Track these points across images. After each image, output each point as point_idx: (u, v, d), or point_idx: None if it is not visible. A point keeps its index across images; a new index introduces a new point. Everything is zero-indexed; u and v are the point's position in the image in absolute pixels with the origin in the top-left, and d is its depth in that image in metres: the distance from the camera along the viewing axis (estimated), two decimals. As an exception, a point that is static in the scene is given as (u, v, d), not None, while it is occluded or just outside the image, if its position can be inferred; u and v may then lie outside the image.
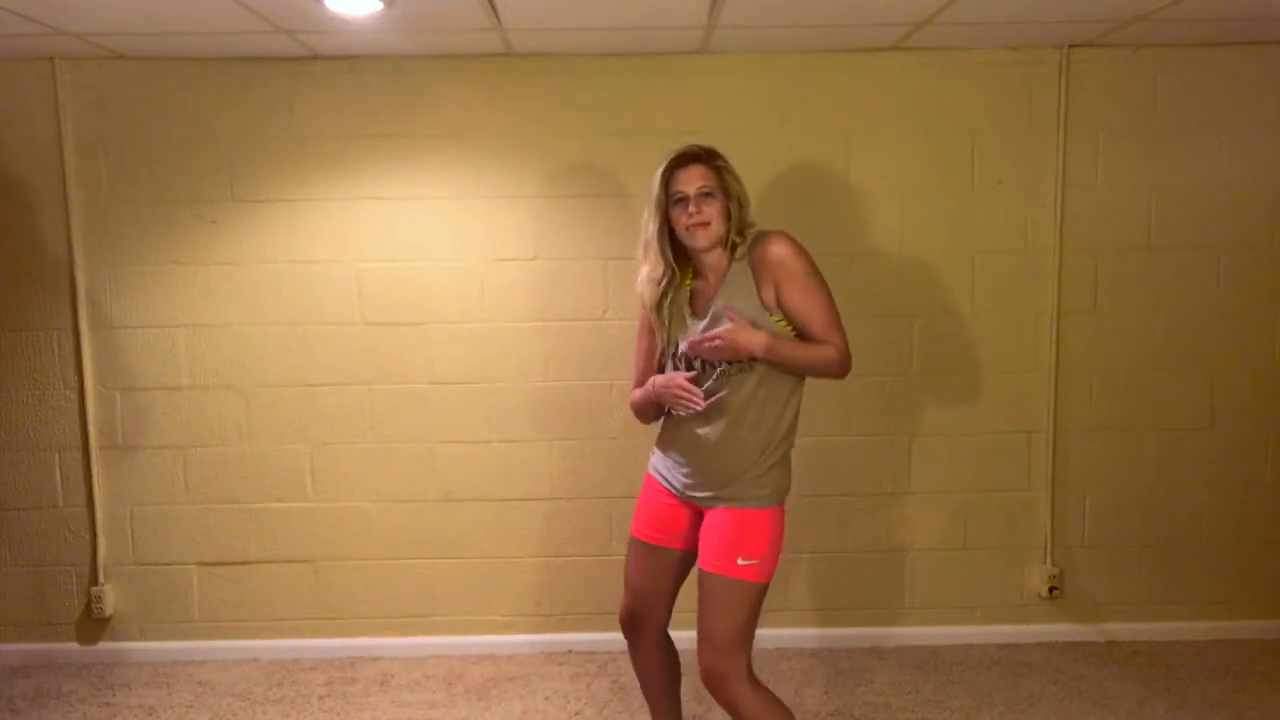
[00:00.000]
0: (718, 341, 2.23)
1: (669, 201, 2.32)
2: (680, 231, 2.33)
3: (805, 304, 2.27)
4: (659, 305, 2.40)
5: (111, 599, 3.55)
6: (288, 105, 3.40)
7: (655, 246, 2.35)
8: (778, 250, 2.28)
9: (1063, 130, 3.43)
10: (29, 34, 3.04)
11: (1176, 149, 3.46)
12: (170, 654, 3.58)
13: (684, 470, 2.41)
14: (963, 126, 3.44)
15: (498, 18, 2.93)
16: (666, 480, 2.48)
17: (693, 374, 2.34)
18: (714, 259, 2.36)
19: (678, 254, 2.40)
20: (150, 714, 3.20)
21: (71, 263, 3.42)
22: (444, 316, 3.49)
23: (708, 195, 2.31)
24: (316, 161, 3.42)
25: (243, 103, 3.39)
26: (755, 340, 2.23)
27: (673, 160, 2.34)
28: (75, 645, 3.59)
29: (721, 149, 3.33)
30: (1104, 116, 3.44)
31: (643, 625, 2.56)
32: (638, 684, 2.72)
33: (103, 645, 3.58)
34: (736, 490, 2.32)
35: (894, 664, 3.48)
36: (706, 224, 2.29)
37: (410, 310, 3.48)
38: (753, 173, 3.40)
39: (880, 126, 3.44)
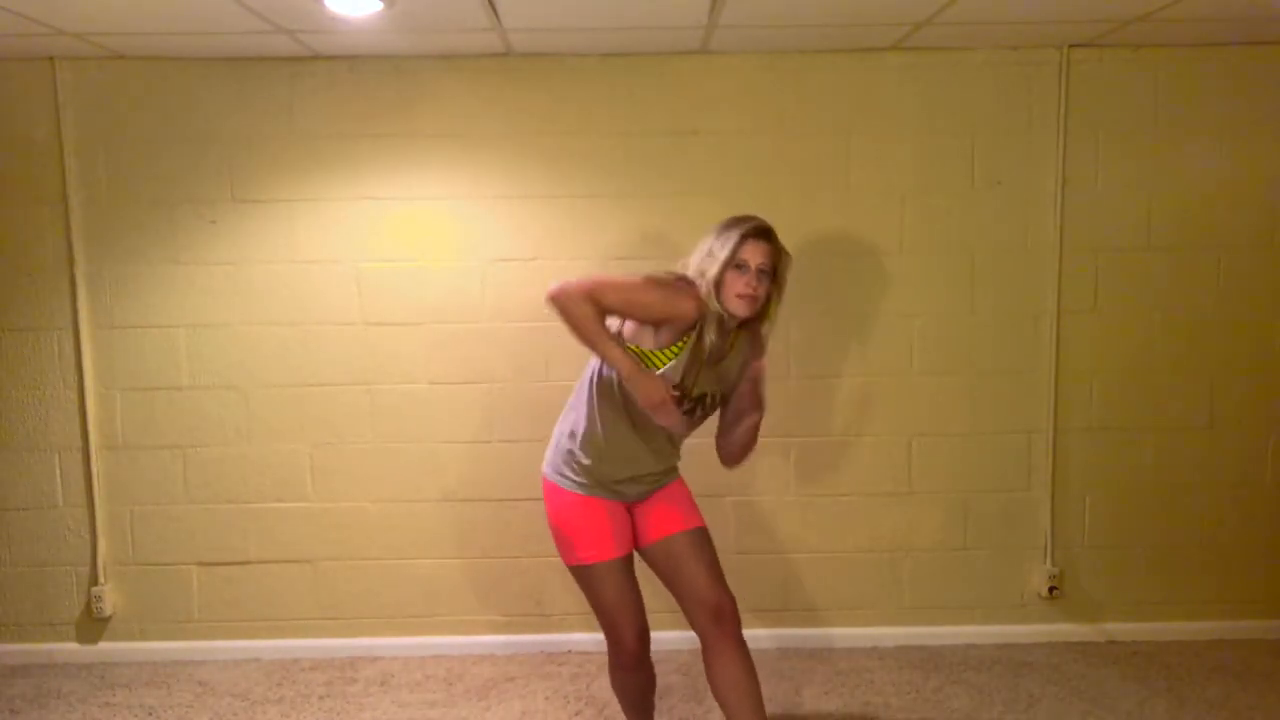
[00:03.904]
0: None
1: (731, 262, 2.36)
2: (727, 294, 2.36)
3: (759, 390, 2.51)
4: (700, 334, 2.41)
5: (111, 599, 3.55)
6: (288, 105, 3.40)
7: (712, 293, 2.37)
8: (763, 363, 2.49)
9: (1063, 130, 3.43)
10: (29, 34, 3.04)
11: (1176, 149, 3.46)
12: (170, 654, 3.58)
13: (648, 473, 2.52)
14: (963, 126, 3.44)
15: (498, 18, 2.93)
16: (619, 494, 2.52)
17: (687, 406, 2.46)
18: (726, 321, 2.42)
19: None
20: (150, 714, 3.20)
21: (71, 263, 3.43)
22: (444, 316, 3.49)
23: (765, 275, 2.38)
24: (316, 161, 3.42)
25: (243, 103, 3.39)
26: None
27: (750, 228, 2.37)
28: (75, 645, 3.59)
29: (721, 149, 3.42)
30: (1104, 116, 3.44)
31: (645, 644, 2.58)
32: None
33: (103, 645, 3.59)
34: (676, 465, 2.67)
35: (894, 664, 3.48)
36: (755, 300, 2.37)
37: (410, 310, 3.49)
38: (753, 172, 3.44)
39: (880, 126, 3.44)
